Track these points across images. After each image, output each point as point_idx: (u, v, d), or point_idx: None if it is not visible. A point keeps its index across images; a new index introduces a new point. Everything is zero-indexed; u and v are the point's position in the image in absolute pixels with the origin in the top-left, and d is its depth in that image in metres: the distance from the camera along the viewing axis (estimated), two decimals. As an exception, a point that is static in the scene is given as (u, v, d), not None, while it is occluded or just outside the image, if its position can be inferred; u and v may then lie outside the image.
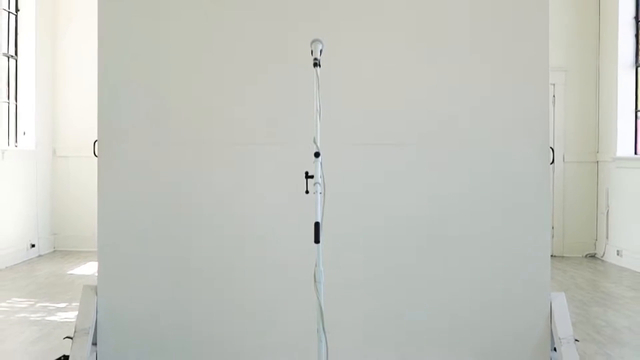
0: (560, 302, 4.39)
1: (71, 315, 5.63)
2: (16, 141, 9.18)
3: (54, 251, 9.76)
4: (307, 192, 3.06)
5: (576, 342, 4.33)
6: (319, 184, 2.90)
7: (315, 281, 2.98)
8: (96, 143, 4.42)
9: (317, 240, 2.90)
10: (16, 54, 9.20)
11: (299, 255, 3.93)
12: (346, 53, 4.24)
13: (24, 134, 9.30)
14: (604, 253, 9.52)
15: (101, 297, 4.38)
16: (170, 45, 4.43)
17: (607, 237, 9.46)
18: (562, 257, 9.60)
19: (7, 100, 8.91)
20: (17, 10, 9.21)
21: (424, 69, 4.40)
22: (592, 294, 7.14)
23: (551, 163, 4.47)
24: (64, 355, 4.27)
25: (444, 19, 4.41)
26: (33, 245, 9.17)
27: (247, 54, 4.33)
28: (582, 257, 9.72)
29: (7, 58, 8.87)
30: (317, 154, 2.90)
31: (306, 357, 3.86)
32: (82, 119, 9.43)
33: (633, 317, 6.12)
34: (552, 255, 4.96)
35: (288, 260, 4.24)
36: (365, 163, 4.16)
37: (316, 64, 3.03)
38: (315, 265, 2.97)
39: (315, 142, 2.92)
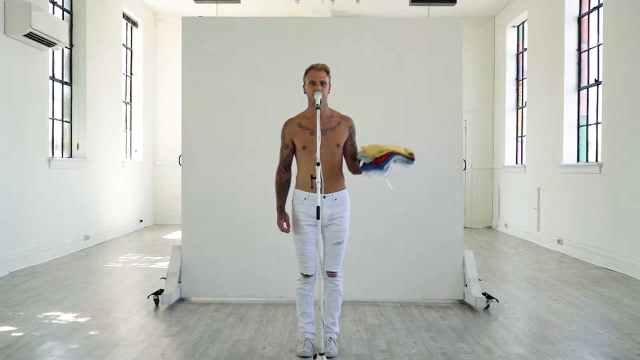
0: (469, 256, 4.39)
1: (165, 264, 5.63)
2: (130, 156, 9.15)
3: (154, 224, 9.73)
4: (311, 187, 3.02)
5: (479, 280, 4.34)
6: (319, 183, 2.88)
7: (317, 243, 2.97)
8: (180, 157, 4.43)
9: (317, 217, 2.89)
10: (130, 101, 9.17)
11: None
12: (341, 103, 4.23)
13: (135, 151, 9.28)
14: (497, 225, 9.51)
15: (183, 253, 4.39)
16: (229, 90, 4.39)
17: (499, 215, 9.46)
18: (471, 227, 9.59)
19: (125, 130, 8.89)
20: (131, 74, 9.18)
21: (392, 113, 4.40)
22: (489, 251, 7.13)
23: (464, 169, 4.48)
24: (160, 289, 4.27)
25: (404, 87, 4.42)
26: (141, 221, 9.14)
27: (282, 96, 4.33)
28: (483, 228, 9.71)
29: (125, 104, 8.84)
30: (318, 164, 2.87)
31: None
32: (172, 141, 9.43)
33: (514, 265, 6.11)
34: (464, 227, 4.94)
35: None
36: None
37: (318, 107, 3.00)
38: (317, 233, 2.95)
39: (316, 155, 2.89)
